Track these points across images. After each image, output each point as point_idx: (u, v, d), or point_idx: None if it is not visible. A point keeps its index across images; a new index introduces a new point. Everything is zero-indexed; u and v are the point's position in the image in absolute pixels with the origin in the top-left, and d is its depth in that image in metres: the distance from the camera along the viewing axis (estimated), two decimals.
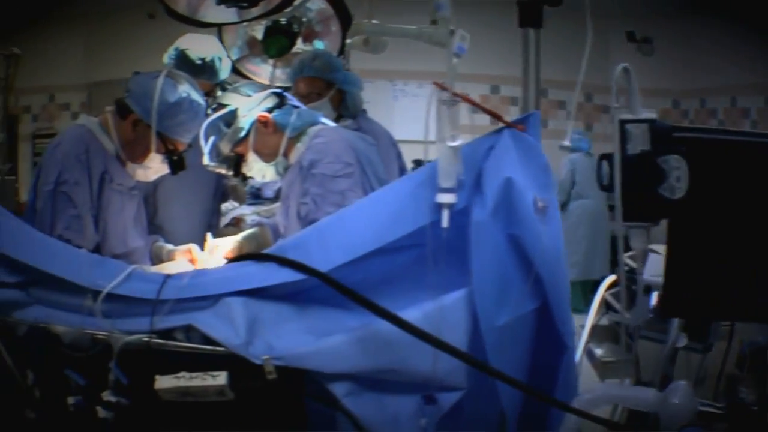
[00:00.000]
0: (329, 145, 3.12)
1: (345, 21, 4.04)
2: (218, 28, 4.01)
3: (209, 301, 2.30)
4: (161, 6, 3.15)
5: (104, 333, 2.27)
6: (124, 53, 8.37)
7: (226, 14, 3.19)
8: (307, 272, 2.25)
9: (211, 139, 3.23)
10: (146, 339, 2.24)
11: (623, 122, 2.15)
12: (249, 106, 3.18)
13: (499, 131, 2.36)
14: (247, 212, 4.32)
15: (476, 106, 2.29)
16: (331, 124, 3.36)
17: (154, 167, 3.16)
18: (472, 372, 2.19)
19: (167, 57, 3.71)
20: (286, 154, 3.23)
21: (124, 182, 3.16)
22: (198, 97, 3.12)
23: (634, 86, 2.21)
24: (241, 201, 4.34)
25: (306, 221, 2.97)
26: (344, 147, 3.12)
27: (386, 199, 2.47)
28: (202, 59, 3.65)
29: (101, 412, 2.26)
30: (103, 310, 2.29)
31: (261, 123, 3.19)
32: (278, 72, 4.13)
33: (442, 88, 2.16)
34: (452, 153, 2.15)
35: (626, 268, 3.41)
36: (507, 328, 2.21)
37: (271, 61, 4.05)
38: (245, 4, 3.05)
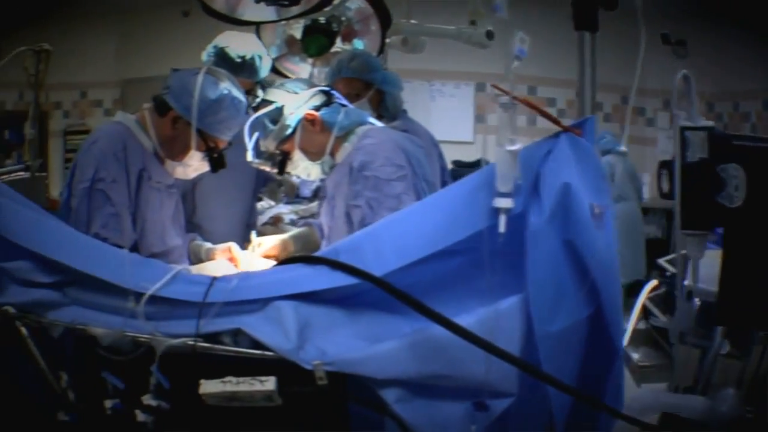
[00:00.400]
0: (379, 147, 3.05)
1: (385, 20, 4.00)
2: (256, 27, 3.97)
3: (258, 304, 2.26)
4: (198, 4, 3.12)
5: (146, 336, 2.23)
6: (157, 51, 8.39)
7: (265, 12, 3.17)
8: (362, 276, 2.21)
9: (256, 135, 3.19)
10: (191, 342, 2.20)
11: (683, 129, 2.11)
12: (296, 104, 3.12)
13: (556, 135, 2.31)
14: (285, 211, 4.31)
15: (535, 110, 2.25)
16: (379, 124, 3.30)
17: (194, 165, 3.12)
18: (522, 378, 2.16)
19: (206, 54, 3.67)
20: (332, 153, 3.17)
21: (163, 180, 3.12)
22: (239, 95, 3.07)
23: (693, 93, 2.16)
24: (291, 193, 4.31)
25: (361, 226, 2.89)
26: (394, 149, 3.05)
27: (442, 202, 2.42)
28: (243, 57, 3.60)
29: (140, 416, 2.22)
30: (145, 312, 2.26)
31: (308, 121, 3.13)
32: (317, 71, 4.10)
33: (501, 91, 2.10)
34: (511, 157, 2.10)
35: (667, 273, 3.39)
36: (561, 335, 2.17)
37: (310, 60, 4.02)
38: (286, 3, 3.03)
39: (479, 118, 8.38)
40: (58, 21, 8.13)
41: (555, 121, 2.27)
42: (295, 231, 3.51)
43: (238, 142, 3.18)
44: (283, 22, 3.94)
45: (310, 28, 3.82)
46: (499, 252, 2.13)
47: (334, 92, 3.23)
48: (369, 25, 4.07)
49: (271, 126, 3.12)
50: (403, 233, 2.34)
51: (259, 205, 4.16)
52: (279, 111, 3.10)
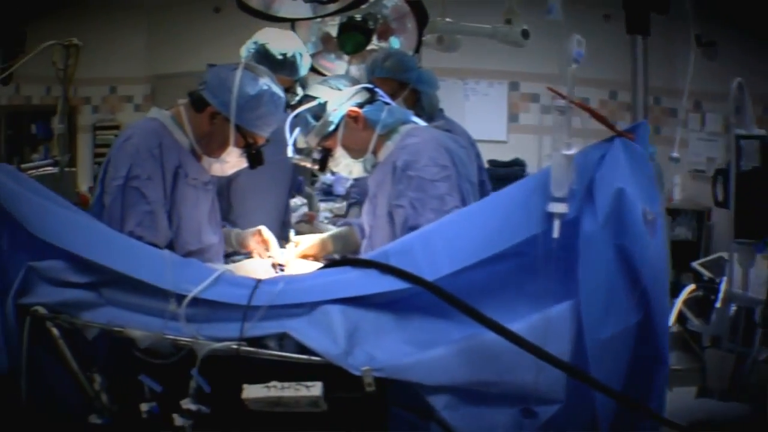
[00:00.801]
0: (423, 146, 3.00)
1: (421, 18, 3.97)
2: (291, 24, 3.93)
3: (304, 308, 2.23)
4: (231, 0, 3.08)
5: (187, 339, 2.21)
6: (188, 47, 8.35)
7: (300, 9, 3.13)
8: (414, 281, 2.18)
9: (296, 131, 3.15)
10: (235, 346, 2.17)
11: (739, 138, 2.07)
12: (339, 100, 3.07)
13: (610, 140, 2.26)
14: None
15: (591, 114, 2.21)
16: (422, 123, 3.25)
17: (232, 162, 3.08)
18: (569, 384, 2.13)
19: (245, 50, 3.62)
20: (374, 152, 3.12)
21: (199, 177, 3.08)
22: (278, 90, 3.03)
23: (747, 101, 2.12)
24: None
25: (405, 227, 2.87)
26: (438, 148, 3.00)
27: (496, 206, 2.38)
28: (284, 54, 3.54)
29: (178, 420, 2.18)
30: (186, 314, 2.23)
31: (351, 118, 3.07)
32: (353, 69, 4.07)
33: (557, 94, 2.06)
34: (566, 161, 2.06)
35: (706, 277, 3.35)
36: (610, 341, 2.14)
37: (346, 58, 3.99)
38: (324, 0, 2.99)
39: (512, 117, 8.30)
40: (85, 14, 8.12)
41: (609, 126, 2.23)
42: (334, 230, 3.49)
43: (274, 139, 3.14)
44: (319, 20, 3.91)
45: (346, 25, 3.80)
46: (551, 257, 2.10)
47: (377, 90, 3.18)
48: (405, 23, 4.05)
49: (313, 122, 3.07)
50: (456, 237, 2.31)
51: (291, 202, 4.12)
52: (322, 107, 3.05)
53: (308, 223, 3.93)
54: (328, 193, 4.65)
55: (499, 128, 8.21)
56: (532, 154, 7.30)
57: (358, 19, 3.77)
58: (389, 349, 2.16)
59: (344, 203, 4.35)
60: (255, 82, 2.96)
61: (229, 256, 3.40)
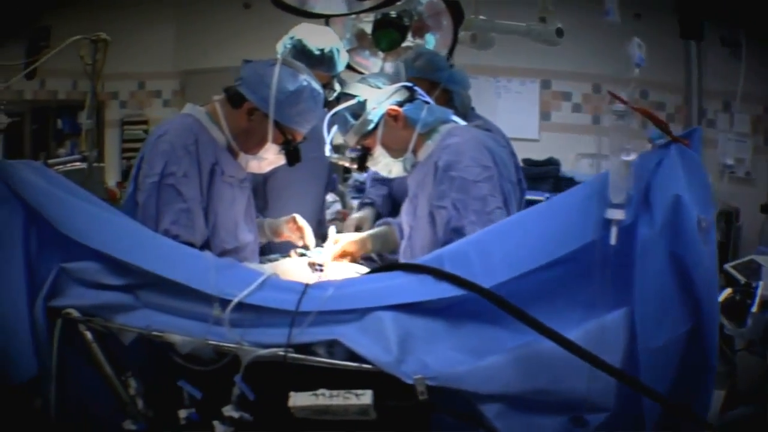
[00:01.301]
0: (465, 146, 2.95)
1: (457, 16, 3.91)
2: (326, 20, 3.89)
3: (355, 314, 2.20)
4: None
5: (231, 345, 2.17)
6: (217, 42, 8.32)
7: (335, 5, 3.08)
8: (471, 288, 2.15)
9: (334, 129, 3.12)
10: (282, 353, 2.13)
11: None
12: (378, 99, 3.02)
13: (666, 146, 2.23)
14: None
15: (650, 118, 2.17)
16: (462, 122, 3.20)
17: (269, 158, 3.04)
18: (618, 392, 2.11)
19: (281, 46, 3.57)
20: (414, 151, 3.07)
21: (236, 174, 3.04)
22: (317, 86, 3.00)
23: None
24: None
25: (447, 228, 2.83)
26: (480, 148, 2.95)
27: (552, 212, 2.35)
28: (321, 50, 3.49)
29: (219, 428, 2.15)
30: (230, 319, 2.19)
31: (391, 117, 3.02)
32: (388, 66, 4.02)
33: (616, 98, 2.02)
34: (625, 167, 2.03)
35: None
36: (663, 349, 2.13)
37: (380, 55, 3.94)
38: None
39: (544, 115, 8.25)
40: (113, 8, 8.10)
41: (667, 131, 2.20)
42: (374, 230, 3.45)
43: (311, 136, 3.11)
44: (353, 16, 3.86)
45: (381, 22, 3.73)
46: (606, 263, 2.08)
47: (416, 88, 3.13)
48: (441, 20, 3.99)
49: (352, 120, 3.03)
50: (512, 242, 2.28)
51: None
52: (361, 105, 3.00)
53: (341, 221, 3.88)
54: (361, 190, 4.58)
55: (531, 126, 8.17)
56: (564, 152, 7.29)
57: (393, 15, 3.71)
58: (442, 356, 2.14)
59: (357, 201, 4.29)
60: (294, 78, 2.92)
61: (263, 254, 3.38)
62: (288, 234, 3.36)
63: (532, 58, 7.64)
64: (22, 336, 2.31)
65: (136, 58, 8.47)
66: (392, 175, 3.18)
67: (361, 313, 2.18)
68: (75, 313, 2.29)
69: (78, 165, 5.26)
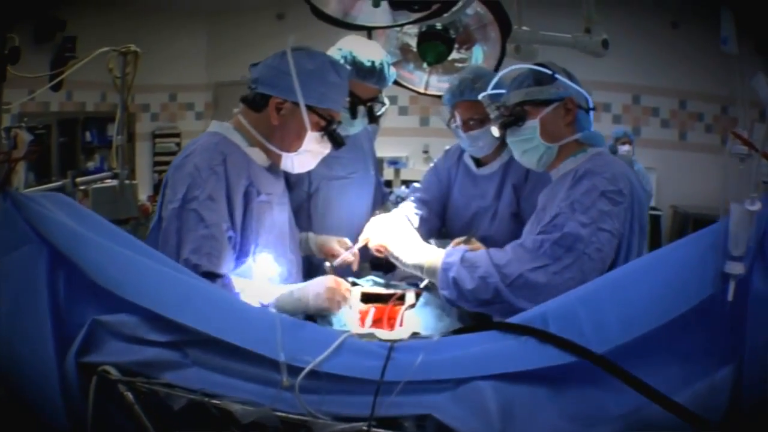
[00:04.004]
0: (610, 165, 2.77)
1: (505, 27, 3.76)
2: (368, 33, 3.75)
3: (449, 382, 1.93)
4: (294, 6, 2.91)
5: (302, 416, 1.89)
6: (250, 54, 8.14)
7: (378, 17, 2.93)
8: (583, 356, 1.91)
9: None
10: (365, 428, 1.84)
11: None
12: (565, 84, 2.91)
13: None
14: None
15: None
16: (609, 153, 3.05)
17: (314, 149, 2.88)
18: None
19: None
20: (554, 161, 2.94)
21: (274, 191, 2.89)
22: (335, 59, 2.93)
23: None
24: None
25: (551, 222, 2.66)
26: (624, 178, 2.74)
27: (667, 265, 2.08)
28: (372, 62, 3.35)
29: None
30: (301, 385, 1.92)
31: (567, 106, 2.88)
32: (433, 79, 3.87)
33: (739, 138, 1.82)
34: (749, 218, 1.84)
35: None
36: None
37: (425, 68, 3.79)
38: (416, 7, 2.80)
39: None
40: (143, 19, 8.05)
41: None
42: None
43: (354, 151, 3.02)
44: (397, 29, 3.74)
45: (426, 34, 3.60)
46: (717, 318, 1.89)
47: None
48: (488, 31, 3.84)
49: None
50: (626, 300, 2.01)
51: None
52: (549, 78, 2.91)
53: None
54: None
55: None
56: None
57: (439, 28, 3.57)
58: (546, 427, 1.89)
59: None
60: (311, 57, 2.82)
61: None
62: (337, 249, 3.23)
63: (573, 69, 7.40)
64: (50, 395, 2.03)
65: (168, 70, 8.43)
66: (515, 158, 3.08)
67: (456, 381, 1.93)
68: (113, 371, 2.01)
69: (109, 182, 5.15)
